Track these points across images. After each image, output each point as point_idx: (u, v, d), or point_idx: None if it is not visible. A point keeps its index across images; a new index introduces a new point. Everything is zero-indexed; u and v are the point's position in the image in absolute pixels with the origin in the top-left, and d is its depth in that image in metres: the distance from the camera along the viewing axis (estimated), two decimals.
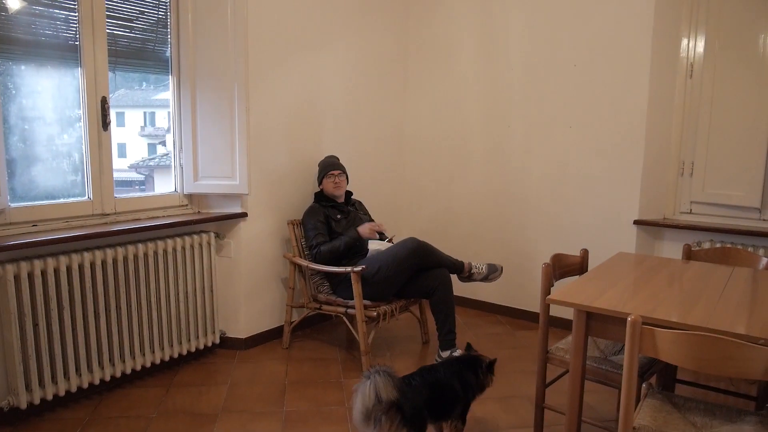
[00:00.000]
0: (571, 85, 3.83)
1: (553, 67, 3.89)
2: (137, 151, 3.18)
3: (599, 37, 3.68)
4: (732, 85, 3.42)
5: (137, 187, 3.17)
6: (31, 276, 2.54)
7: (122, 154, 3.15)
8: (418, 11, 4.50)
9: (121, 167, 3.16)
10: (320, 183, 3.63)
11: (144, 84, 3.23)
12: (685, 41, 3.57)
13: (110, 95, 2.86)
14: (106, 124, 2.91)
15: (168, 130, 3.35)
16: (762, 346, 1.48)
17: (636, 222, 3.64)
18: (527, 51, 3.99)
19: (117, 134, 2.97)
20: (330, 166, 3.61)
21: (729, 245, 3.35)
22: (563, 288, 2.12)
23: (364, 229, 3.46)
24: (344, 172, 3.64)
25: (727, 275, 2.36)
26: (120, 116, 3.07)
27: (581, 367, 2.04)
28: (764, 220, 3.41)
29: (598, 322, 1.98)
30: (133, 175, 3.62)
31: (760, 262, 2.66)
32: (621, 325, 1.93)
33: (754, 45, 3.32)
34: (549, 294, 2.36)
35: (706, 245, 3.46)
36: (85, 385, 2.77)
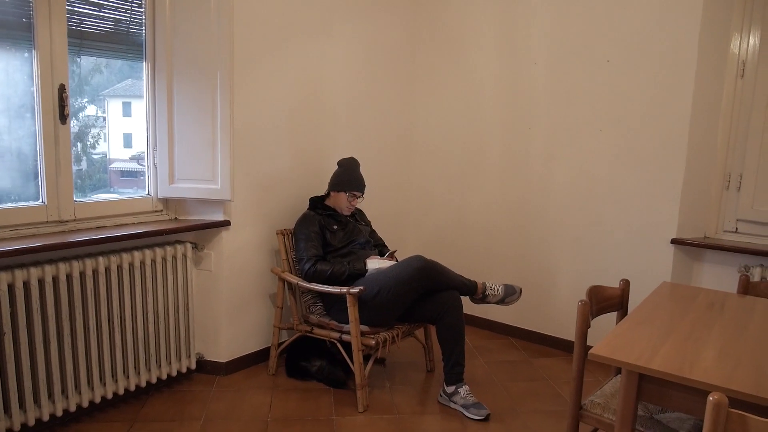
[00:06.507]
0: (602, 83, 3.37)
1: (583, 63, 3.43)
2: (143, 142, 3.01)
3: (638, 30, 3.23)
4: None
5: (141, 178, 2.91)
6: None
7: (128, 144, 2.99)
8: None
9: (123, 157, 3.07)
10: (333, 190, 3.19)
11: None
12: (737, 36, 3.11)
13: (108, 87, 2.48)
14: (64, 116, 2.50)
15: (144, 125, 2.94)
16: None
17: (674, 241, 3.19)
18: (554, 43, 3.54)
19: (124, 124, 2.97)
20: (358, 186, 3.18)
21: None
22: (608, 337, 1.69)
23: (373, 263, 3.00)
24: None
25: None
26: (127, 106, 2.90)
27: None
28: None
29: (653, 385, 1.55)
30: (136, 166, 3.44)
31: None
32: (685, 392, 1.51)
33: None
34: (585, 335, 1.94)
35: (755, 270, 3.01)
36: (31, 423, 2.36)
